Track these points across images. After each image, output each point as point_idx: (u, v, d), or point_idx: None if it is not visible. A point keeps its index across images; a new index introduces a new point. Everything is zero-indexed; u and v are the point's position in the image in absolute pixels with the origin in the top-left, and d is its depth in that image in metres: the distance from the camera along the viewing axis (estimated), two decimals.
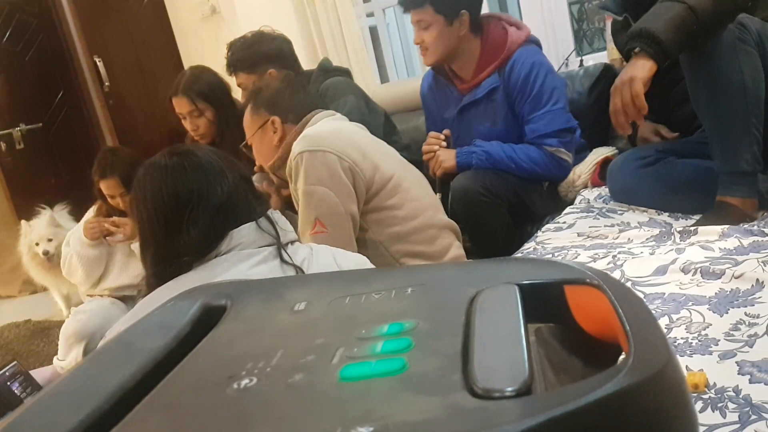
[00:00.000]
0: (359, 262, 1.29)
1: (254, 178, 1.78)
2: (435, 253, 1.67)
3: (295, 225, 1.76)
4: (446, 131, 2.03)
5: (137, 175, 1.17)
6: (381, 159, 1.63)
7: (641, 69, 1.35)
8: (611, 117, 1.41)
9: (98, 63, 3.39)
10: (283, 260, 1.14)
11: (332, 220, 1.54)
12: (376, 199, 1.60)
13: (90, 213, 2.29)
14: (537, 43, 1.99)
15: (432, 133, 2.03)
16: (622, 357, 0.30)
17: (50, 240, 2.40)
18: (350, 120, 2.04)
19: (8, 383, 1.73)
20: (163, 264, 1.12)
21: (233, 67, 2.18)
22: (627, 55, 1.44)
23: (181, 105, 2.23)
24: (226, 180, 1.14)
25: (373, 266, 1.39)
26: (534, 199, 1.96)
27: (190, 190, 1.11)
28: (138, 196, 1.16)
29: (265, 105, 1.70)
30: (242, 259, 1.11)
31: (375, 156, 1.62)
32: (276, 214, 1.21)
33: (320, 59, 2.42)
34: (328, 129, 1.63)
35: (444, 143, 2.00)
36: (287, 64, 2.18)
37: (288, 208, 1.82)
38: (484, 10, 2.87)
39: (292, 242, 1.21)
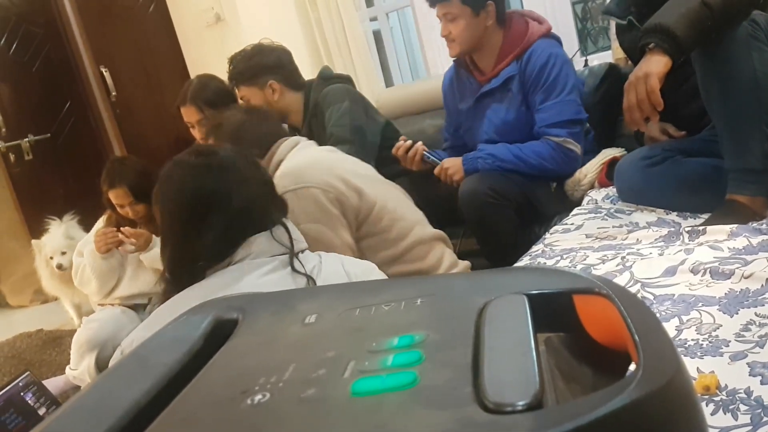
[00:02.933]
0: (367, 268, 1.29)
1: None
2: (430, 268, 1.66)
3: None
4: (402, 137, 2.03)
5: (163, 171, 1.16)
6: (362, 183, 1.60)
7: (656, 64, 1.33)
8: (625, 113, 1.39)
9: (105, 73, 3.42)
10: (294, 269, 1.14)
11: None
12: (366, 225, 1.58)
13: (100, 223, 2.30)
14: (557, 39, 2.01)
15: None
16: (631, 367, 0.30)
17: (64, 253, 2.43)
18: (342, 124, 2.06)
19: (21, 394, 1.74)
20: (178, 269, 1.14)
21: (235, 80, 2.20)
22: (640, 53, 1.41)
23: (189, 114, 2.24)
24: (249, 186, 1.14)
25: (381, 272, 1.39)
26: (542, 200, 1.96)
27: (212, 190, 1.11)
28: (161, 192, 1.16)
29: (228, 140, 1.55)
30: (253, 269, 1.12)
31: (356, 181, 1.59)
32: (290, 223, 1.22)
33: (323, 65, 2.43)
34: (306, 161, 1.58)
35: (409, 142, 1.99)
36: (287, 74, 2.19)
37: None
38: None
39: (302, 251, 1.22)
